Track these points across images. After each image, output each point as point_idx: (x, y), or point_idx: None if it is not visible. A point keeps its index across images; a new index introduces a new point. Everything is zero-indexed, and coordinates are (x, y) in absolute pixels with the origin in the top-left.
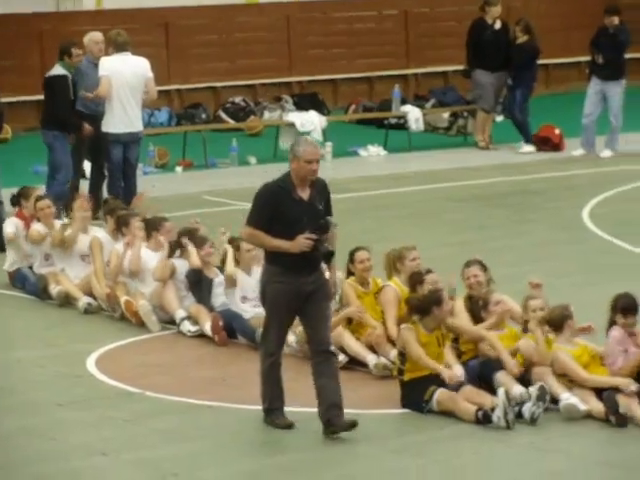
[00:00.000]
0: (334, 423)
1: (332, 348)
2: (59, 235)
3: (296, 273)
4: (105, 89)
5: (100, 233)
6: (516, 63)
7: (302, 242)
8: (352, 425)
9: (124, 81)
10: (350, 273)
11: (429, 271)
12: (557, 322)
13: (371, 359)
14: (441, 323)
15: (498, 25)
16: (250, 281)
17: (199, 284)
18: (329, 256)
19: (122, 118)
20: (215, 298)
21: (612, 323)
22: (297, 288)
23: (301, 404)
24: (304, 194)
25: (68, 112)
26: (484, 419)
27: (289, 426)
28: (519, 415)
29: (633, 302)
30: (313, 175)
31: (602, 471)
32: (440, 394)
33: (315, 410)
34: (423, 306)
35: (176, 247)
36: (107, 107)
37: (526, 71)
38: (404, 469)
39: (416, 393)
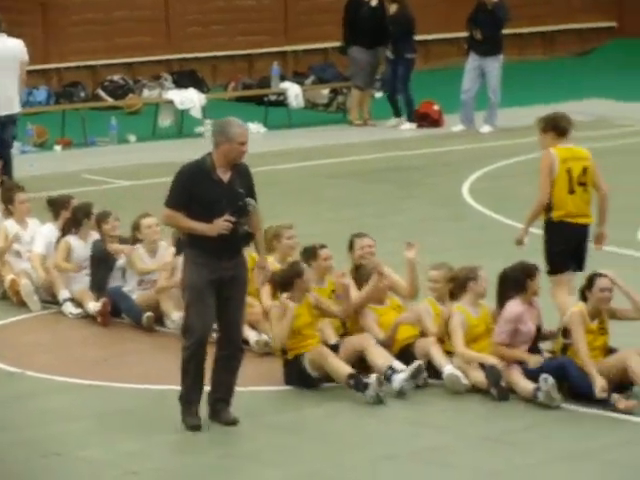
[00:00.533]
0: (220, 416)
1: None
2: None
3: (217, 257)
4: None
5: None
6: (392, 36)
7: (221, 224)
8: (233, 423)
9: (1, 64)
10: (271, 250)
11: (323, 246)
12: (460, 282)
13: (252, 336)
14: (304, 292)
15: (374, 2)
16: (156, 261)
17: (102, 263)
18: (247, 238)
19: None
20: (113, 280)
21: (506, 298)
22: (218, 273)
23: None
24: (224, 176)
25: None
26: (356, 385)
27: (195, 428)
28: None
29: (533, 265)
30: (243, 156)
31: (481, 446)
32: (310, 353)
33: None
34: (285, 280)
35: (72, 224)
36: None
37: (403, 43)
38: (280, 446)
39: (298, 368)
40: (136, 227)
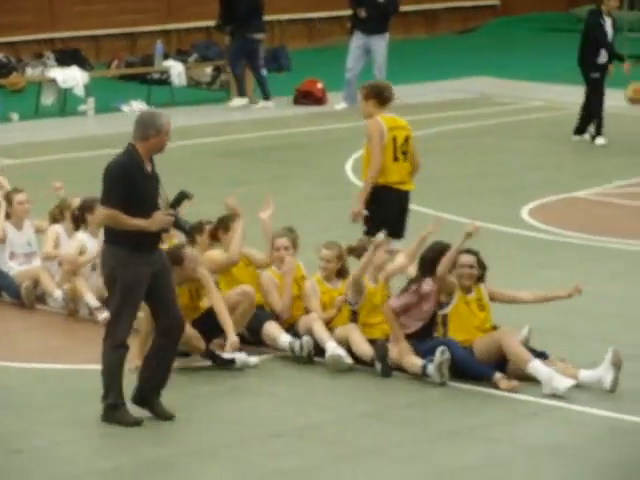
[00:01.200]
0: (156, 409)
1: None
2: None
3: (150, 251)
4: None
5: None
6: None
7: (162, 218)
8: (171, 418)
9: None
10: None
11: (209, 222)
12: (358, 252)
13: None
14: (187, 279)
15: None
16: (21, 237)
17: None
18: (191, 230)
19: None
20: None
21: (422, 277)
22: (152, 266)
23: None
24: (149, 168)
25: None
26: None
27: (137, 423)
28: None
29: (448, 245)
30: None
31: (362, 423)
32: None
33: None
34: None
35: None
36: None
37: (243, 22)
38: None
39: None
40: (8, 201)
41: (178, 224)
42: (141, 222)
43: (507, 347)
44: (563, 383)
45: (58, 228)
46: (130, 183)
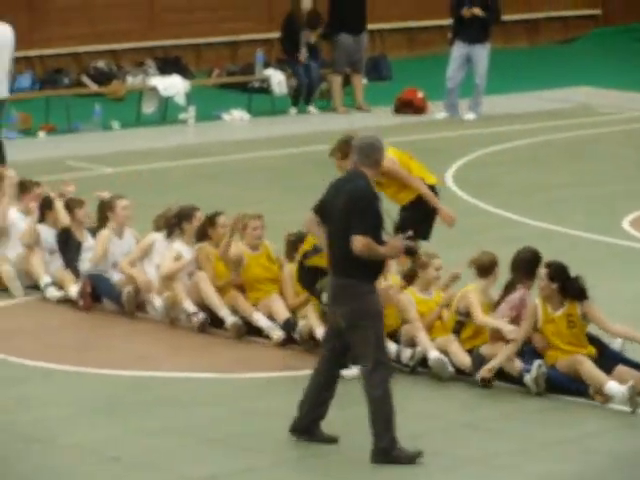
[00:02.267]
0: (313, 435)
1: None
2: None
3: (377, 279)
4: None
5: None
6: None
7: (400, 245)
8: (333, 441)
9: (6, 49)
10: (206, 237)
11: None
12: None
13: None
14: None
15: None
16: (122, 245)
17: (67, 245)
18: (415, 252)
19: (3, 84)
20: (83, 263)
21: (515, 284)
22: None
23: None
24: None
25: None
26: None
27: (417, 455)
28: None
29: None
30: None
31: (460, 433)
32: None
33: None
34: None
35: (44, 209)
36: None
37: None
38: (257, 431)
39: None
40: (110, 207)
41: (411, 249)
42: (386, 250)
43: (583, 374)
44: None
45: (157, 236)
46: (377, 210)
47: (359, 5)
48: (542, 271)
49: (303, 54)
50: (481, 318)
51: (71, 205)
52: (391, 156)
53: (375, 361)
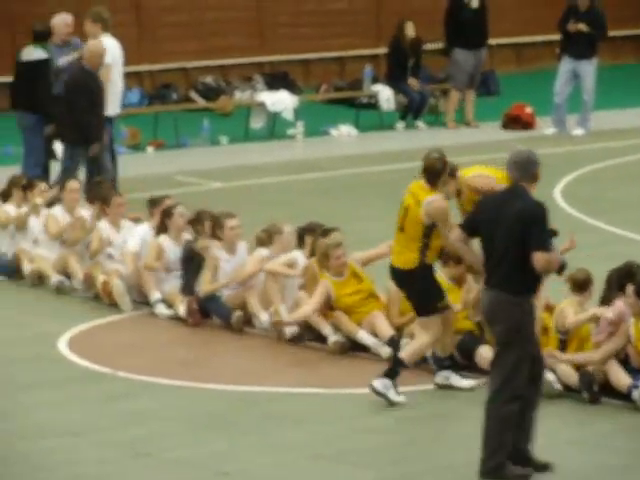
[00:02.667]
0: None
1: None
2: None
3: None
4: (108, 77)
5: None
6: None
7: (557, 259)
8: (546, 468)
9: (118, 66)
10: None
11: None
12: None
13: (331, 337)
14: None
15: (476, 3)
16: (234, 261)
17: (191, 262)
18: (565, 268)
19: (115, 101)
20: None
21: (612, 298)
22: None
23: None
24: None
25: (51, 97)
26: None
27: (527, 476)
28: None
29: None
30: None
31: (568, 449)
32: None
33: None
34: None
35: (165, 219)
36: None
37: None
38: (370, 447)
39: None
40: (219, 226)
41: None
42: None
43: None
44: None
45: (263, 252)
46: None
47: (479, 20)
48: (629, 288)
49: (413, 82)
50: (571, 319)
51: (192, 220)
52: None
53: (505, 380)
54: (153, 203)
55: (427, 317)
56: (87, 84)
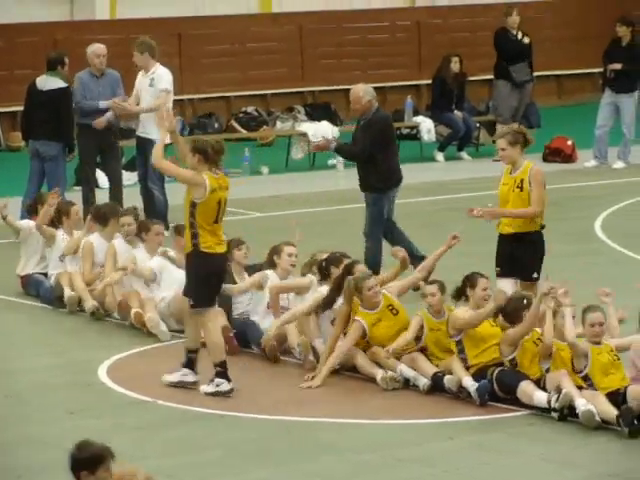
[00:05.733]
0: None
1: None
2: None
3: None
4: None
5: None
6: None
7: None
8: None
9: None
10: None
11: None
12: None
13: (378, 373)
14: None
15: (527, 40)
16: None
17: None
18: None
19: None
20: (236, 305)
21: None
22: None
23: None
24: None
25: (73, 125)
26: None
27: None
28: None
29: None
30: None
31: None
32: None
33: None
34: None
35: None
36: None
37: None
38: (412, 476)
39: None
40: (277, 252)
41: None
42: None
43: None
44: None
45: (313, 278)
46: None
47: (523, 54)
48: (599, 316)
49: (458, 114)
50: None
51: (230, 246)
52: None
53: None
54: (179, 230)
55: None
56: None
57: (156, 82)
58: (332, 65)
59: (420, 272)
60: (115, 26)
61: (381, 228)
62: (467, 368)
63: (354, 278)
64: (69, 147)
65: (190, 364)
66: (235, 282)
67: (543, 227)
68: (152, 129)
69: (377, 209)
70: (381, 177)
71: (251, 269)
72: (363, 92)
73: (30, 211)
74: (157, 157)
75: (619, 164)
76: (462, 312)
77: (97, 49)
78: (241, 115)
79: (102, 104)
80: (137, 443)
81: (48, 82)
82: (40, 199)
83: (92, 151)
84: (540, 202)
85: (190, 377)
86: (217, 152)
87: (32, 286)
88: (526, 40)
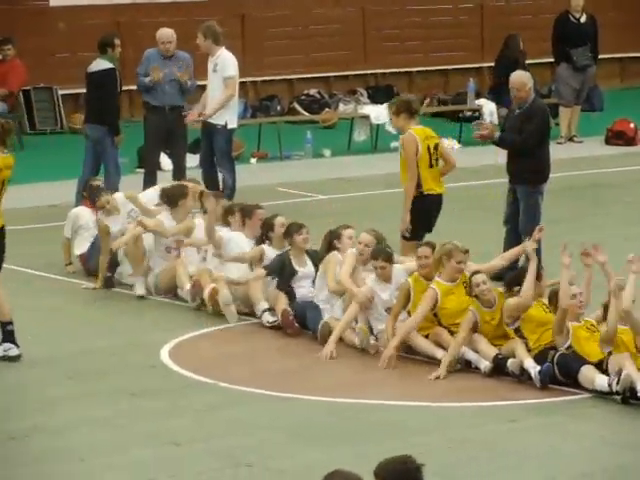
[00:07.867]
0: None
1: None
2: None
3: None
4: (234, 90)
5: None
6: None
7: None
8: None
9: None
10: None
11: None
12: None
13: (438, 353)
14: None
15: (584, 18)
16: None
17: (282, 272)
18: None
19: (235, 113)
20: (298, 290)
21: None
22: None
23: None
24: None
25: (116, 107)
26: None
27: None
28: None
29: None
30: None
31: None
32: None
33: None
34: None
35: (264, 234)
36: (230, 104)
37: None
38: (471, 460)
39: None
40: (337, 237)
41: None
42: None
43: None
44: None
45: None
46: None
47: (584, 38)
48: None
49: None
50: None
51: (290, 230)
52: (415, 136)
53: None
54: (244, 212)
55: None
56: None
57: (220, 68)
58: (394, 47)
59: (501, 258)
60: (177, 8)
61: (538, 223)
62: (528, 351)
63: (451, 243)
64: (114, 130)
65: None
66: (295, 270)
67: (421, 193)
68: (218, 115)
69: (534, 201)
70: (537, 169)
71: (310, 256)
72: (527, 79)
73: (78, 198)
74: None
75: None
76: (513, 299)
77: (162, 36)
78: (303, 97)
79: (145, 80)
80: (197, 424)
81: (95, 64)
82: (88, 186)
83: (160, 133)
84: (407, 168)
85: None
86: (6, 132)
87: (92, 260)
88: (589, 23)
